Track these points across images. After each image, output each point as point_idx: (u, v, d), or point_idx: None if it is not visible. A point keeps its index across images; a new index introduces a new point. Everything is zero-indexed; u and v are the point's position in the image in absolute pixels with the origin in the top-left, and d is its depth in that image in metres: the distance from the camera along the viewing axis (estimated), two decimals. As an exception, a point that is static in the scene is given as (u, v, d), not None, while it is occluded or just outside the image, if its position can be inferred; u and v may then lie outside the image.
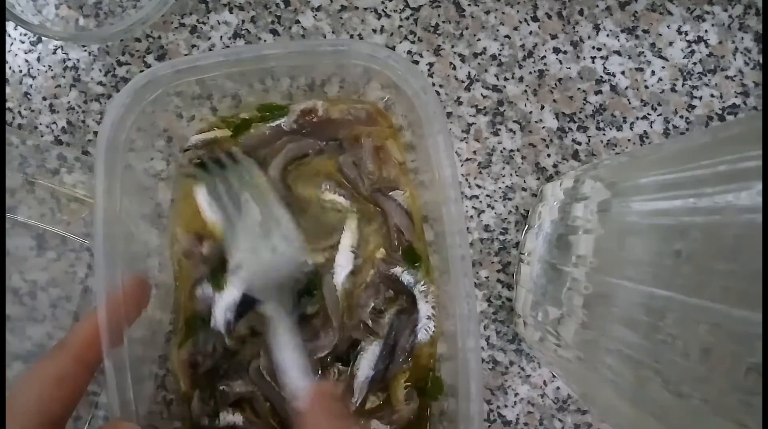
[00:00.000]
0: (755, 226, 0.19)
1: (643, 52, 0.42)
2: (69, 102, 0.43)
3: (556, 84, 0.43)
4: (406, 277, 0.38)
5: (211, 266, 0.37)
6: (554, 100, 0.43)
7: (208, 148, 0.39)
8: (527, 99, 0.43)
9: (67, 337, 0.29)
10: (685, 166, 0.25)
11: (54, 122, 0.43)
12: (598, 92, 0.42)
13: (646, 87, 0.42)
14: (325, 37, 0.43)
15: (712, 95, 0.42)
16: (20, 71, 0.43)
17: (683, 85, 0.42)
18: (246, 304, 0.36)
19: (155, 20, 0.40)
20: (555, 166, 0.43)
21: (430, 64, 0.43)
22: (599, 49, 0.43)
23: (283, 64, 0.34)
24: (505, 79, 0.43)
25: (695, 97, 0.42)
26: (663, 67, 0.42)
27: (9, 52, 0.43)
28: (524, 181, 0.43)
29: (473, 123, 0.43)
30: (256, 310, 0.36)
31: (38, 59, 0.43)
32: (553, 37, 0.43)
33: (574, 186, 0.36)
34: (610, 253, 0.29)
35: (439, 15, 0.43)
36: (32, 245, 0.42)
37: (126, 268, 0.31)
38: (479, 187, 0.43)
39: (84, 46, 0.43)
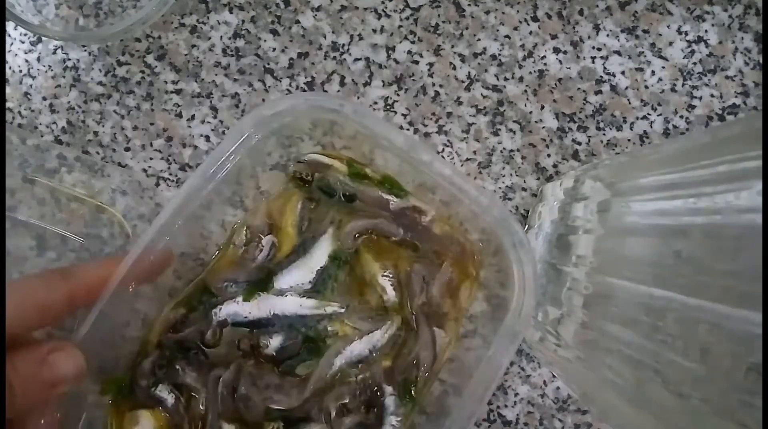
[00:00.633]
0: (755, 226, 0.19)
1: (643, 52, 0.42)
2: (69, 102, 0.43)
3: (556, 84, 0.43)
4: (389, 402, 0.36)
5: (258, 276, 0.37)
6: (554, 100, 0.43)
7: (319, 169, 0.39)
8: (527, 99, 0.43)
9: (72, 270, 0.29)
10: (685, 166, 0.25)
11: (54, 122, 0.43)
12: (598, 92, 0.42)
13: (646, 87, 0.42)
14: (325, 37, 0.43)
15: (712, 95, 0.42)
16: (20, 71, 0.43)
17: (683, 85, 0.42)
18: (252, 324, 0.37)
19: (155, 20, 0.40)
20: (555, 166, 0.43)
21: (430, 64, 0.43)
22: (599, 49, 0.43)
23: None
24: (505, 79, 0.43)
25: (695, 97, 0.42)
26: (663, 67, 0.42)
27: (9, 52, 0.43)
28: (524, 181, 0.43)
29: (473, 123, 0.43)
30: (258, 335, 0.36)
31: (38, 59, 0.43)
32: (553, 37, 0.43)
33: (574, 186, 0.36)
34: (610, 253, 0.29)
35: (439, 15, 0.43)
36: (32, 245, 0.42)
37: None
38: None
39: (84, 46, 0.43)
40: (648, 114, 0.42)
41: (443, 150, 0.42)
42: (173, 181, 0.42)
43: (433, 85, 0.43)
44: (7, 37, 0.43)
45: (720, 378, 0.20)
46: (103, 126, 0.43)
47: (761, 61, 0.42)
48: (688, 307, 0.22)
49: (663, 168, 0.27)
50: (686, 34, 0.42)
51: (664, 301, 0.23)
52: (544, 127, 0.43)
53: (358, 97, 0.40)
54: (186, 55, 0.43)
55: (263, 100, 0.42)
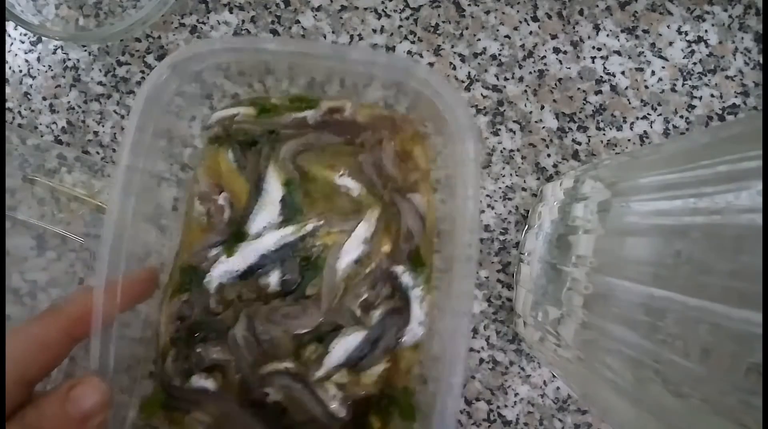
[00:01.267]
0: (755, 227, 0.19)
1: (643, 52, 0.42)
2: (69, 102, 0.43)
3: (556, 84, 0.43)
4: (406, 279, 0.38)
5: (230, 231, 0.38)
6: (554, 100, 0.43)
7: (230, 123, 0.39)
8: (527, 99, 0.43)
9: (61, 304, 0.29)
10: (685, 167, 0.25)
11: (54, 122, 0.43)
12: (598, 92, 0.42)
13: (646, 87, 0.42)
14: (325, 37, 0.43)
15: (712, 95, 0.42)
16: (20, 71, 0.43)
17: (683, 85, 0.42)
18: (246, 274, 0.37)
19: (155, 20, 0.40)
20: (555, 166, 0.43)
21: (430, 64, 0.43)
22: (599, 49, 0.43)
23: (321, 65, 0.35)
24: (505, 79, 0.43)
25: (695, 97, 0.42)
26: (663, 67, 0.42)
27: (9, 52, 0.43)
28: (524, 181, 0.43)
29: (473, 123, 0.43)
30: (255, 280, 0.37)
31: (38, 59, 0.43)
32: (553, 37, 0.43)
33: (574, 186, 0.36)
34: (610, 253, 0.29)
35: (439, 15, 0.43)
36: (32, 245, 0.42)
37: (127, 266, 0.31)
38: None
39: (84, 46, 0.43)
40: (648, 114, 0.42)
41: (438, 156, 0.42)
42: (174, 181, 0.42)
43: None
44: (7, 37, 0.43)
45: (720, 378, 0.20)
46: (103, 126, 0.43)
47: (761, 61, 0.42)
48: (688, 307, 0.22)
49: (663, 168, 0.27)
50: (686, 34, 0.42)
51: (664, 301, 0.23)
52: (544, 127, 0.43)
53: (357, 98, 0.40)
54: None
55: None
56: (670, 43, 0.42)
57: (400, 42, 0.43)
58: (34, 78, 0.43)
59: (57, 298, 0.40)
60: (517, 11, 0.43)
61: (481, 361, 0.42)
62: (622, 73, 0.42)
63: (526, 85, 0.43)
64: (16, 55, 0.43)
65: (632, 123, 0.42)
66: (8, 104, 0.43)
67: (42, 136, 0.43)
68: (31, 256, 0.42)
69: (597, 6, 0.43)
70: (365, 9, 0.43)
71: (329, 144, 0.39)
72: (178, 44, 0.43)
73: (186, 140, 0.40)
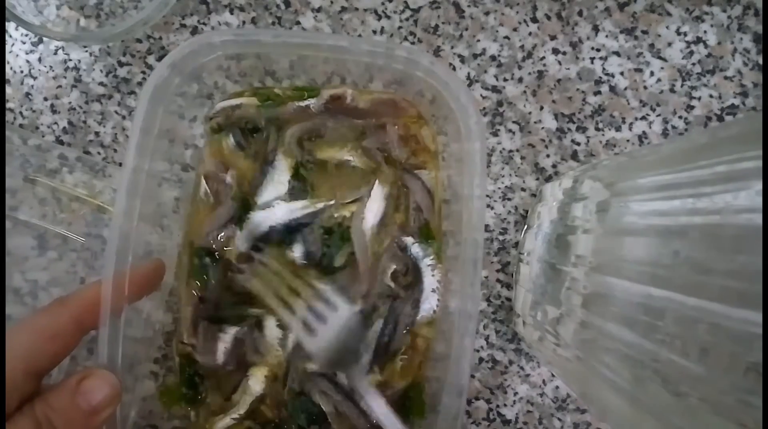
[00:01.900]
0: (754, 227, 0.19)
1: (642, 53, 0.43)
2: (70, 102, 0.43)
3: (555, 85, 0.43)
4: (416, 249, 0.39)
5: (238, 205, 0.39)
6: (553, 101, 0.43)
7: (233, 113, 0.40)
8: (526, 100, 0.43)
9: (69, 296, 0.29)
10: (683, 167, 0.25)
11: (55, 122, 0.43)
12: (597, 93, 0.43)
13: (645, 87, 0.42)
14: (325, 37, 0.43)
15: (710, 96, 0.42)
16: (21, 72, 0.43)
17: (682, 85, 0.42)
18: (264, 239, 0.39)
19: (156, 21, 0.41)
20: (554, 166, 0.43)
21: (430, 65, 0.43)
22: (598, 50, 0.43)
23: (324, 56, 0.36)
24: (505, 79, 0.43)
25: (694, 98, 0.42)
26: (662, 68, 0.42)
27: (10, 52, 0.43)
28: (523, 182, 0.43)
29: (473, 123, 0.43)
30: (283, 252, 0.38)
31: (39, 60, 0.43)
32: (553, 38, 0.43)
33: (573, 186, 0.36)
34: (608, 252, 0.29)
35: (438, 16, 0.43)
36: (33, 245, 0.42)
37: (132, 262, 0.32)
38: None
39: (85, 47, 0.43)
40: (647, 114, 0.42)
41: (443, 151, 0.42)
42: (175, 181, 0.42)
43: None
44: (8, 38, 0.43)
45: (719, 377, 0.20)
46: (104, 126, 0.43)
47: (760, 61, 0.42)
48: (687, 306, 0.22)
49: (662, 168, 0.27)
50: (685, 34, 0.42)
51: (663, 300, 0.23)
52: (543, 128, 0.43)
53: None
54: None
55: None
56: (669, 44, 0.42)
57: (400, 43, 0.43)
58: (35, 78, 0.43)
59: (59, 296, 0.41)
60: (517, 12, 0.43)
61: (481, 360, 0.43)
62: (621, 73, 0.43)
63: (526, 86, 0.43)
64: (17, 55, 0.43)
65: (631, 123, 0.42)
66: (9, 105, 0.43)
67: (43, 137, 0.43)
68: (32, 256, 0.42)
69: (596, 7, 0.43)
70: (365, 10, 0.43)
71: (333, 129, 0.40)
72: (179, 45, 0.43)
73: (187, 140, 0.40)
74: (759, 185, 0.19)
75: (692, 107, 0.42)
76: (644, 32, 0.43)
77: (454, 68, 0.43)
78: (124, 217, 0.31)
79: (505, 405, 0.42)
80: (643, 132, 0.42)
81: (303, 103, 0.39)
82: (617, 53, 0.43)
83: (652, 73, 0.42)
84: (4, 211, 0.41)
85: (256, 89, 0.40)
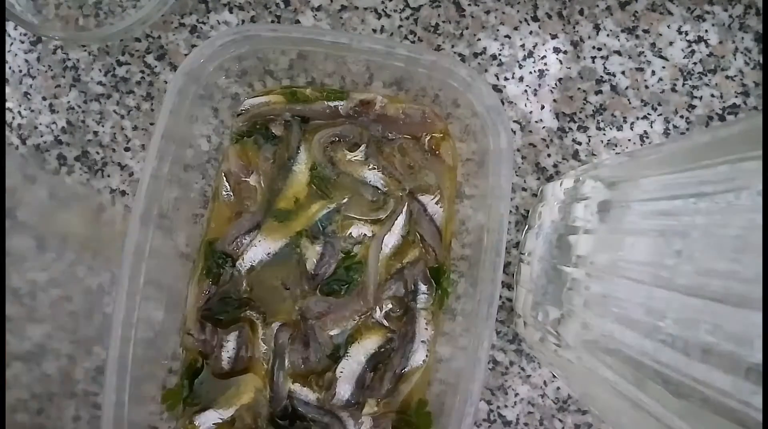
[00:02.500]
0: (755, 227, 0.19)
1: (643, 52, 0.42)
2: (69, 102, 0.43)
3: (556, 84, 0.43)
4: (419, 299, 0.39)
5: (263, 211, 0.40)
6: (554, 100, 0.43)
7: (261, 111, 0.41)
8: (527, 99, 0.43)
9: None
10: (685, 166, 0.25)
11: (54, 122, 0.43)
12: (598, 92, 0.42)
13: (647, 87, 0.42)
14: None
15: (712, 95, 0.42)
16: (20, 71, 0.43)
17: (683, 85, 0.42)
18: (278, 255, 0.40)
19: (155, 20, 0.40)
20: (555, 166, 0.43)
21: (430, 64, 0.43)
22: (599, 49, 0.42)
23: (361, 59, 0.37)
24: (506, 78, 0.43)
25: (695, 97, 0.42)
26: (663, 67, 0.42)
27: (9, 51, 0.43)
28: (524, 181, 0.43)
29: (473, 123, 0.42)
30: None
31: (38, 59, 0.43)
32: (554, 36, 0.43)
33: (575, 186, 0.36)
34: (610, 253, 0.29)
35: (439, 15, 0.43)
36: (32, 245, 0.42)
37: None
38: (478, 187, 0.42)
39: (84, 46, 0.43)
40: (648, 114, 0.42)
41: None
42: (176, 181, 0.42)
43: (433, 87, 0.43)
44: (7, 37, 0.43)
45: (720, 378, 0.20)
46: (103, 126, 0.43)
47: (761, 61, 0.42)
48: (689, 307, 0.22)
49: (663, 168, 0.27)
50: (686, 34, 0.42)
51: (664, 301, 0.23)
52: (544, 127, 0.42)
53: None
54: (186, 55, 0.43)
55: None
56: (671, 43, 0.42)
57: (401, 42, 0.43)
58: (34, 78, 0.43)
59: (57, 298, 0.40)
60: (518, 11, 0.43)
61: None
62: (623, 72, 0.42)
63: (527, 85, 0.43)
64: (16, 54, 0.43)
65: (632, 123, 0.42)
66: (8, 104, 0.43)
67: (42, 136, 0.43)
68: (31, 256, 0.42)
69: (597, 6, 0.43)
70: (365, 9, 0.43)
71: (360, 135, 0.41)
72: (177, 44, 0.43)
73: (192, 141, 0.40)
74: (760, 185, 0.19)
75: (694, 107, 0.42)
76: (645, 31, 0.42)
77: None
78: (140, 222, 0.33)
79: (506, 406, 0.42)
80: (645, 131, 0.42)
81: (333, 104, 0.40)
82: (618, 52, 0.42)
83: (653, 73, 0.42)
84: (4, 211, 0.41)
85: (284, 88, 0.41)
